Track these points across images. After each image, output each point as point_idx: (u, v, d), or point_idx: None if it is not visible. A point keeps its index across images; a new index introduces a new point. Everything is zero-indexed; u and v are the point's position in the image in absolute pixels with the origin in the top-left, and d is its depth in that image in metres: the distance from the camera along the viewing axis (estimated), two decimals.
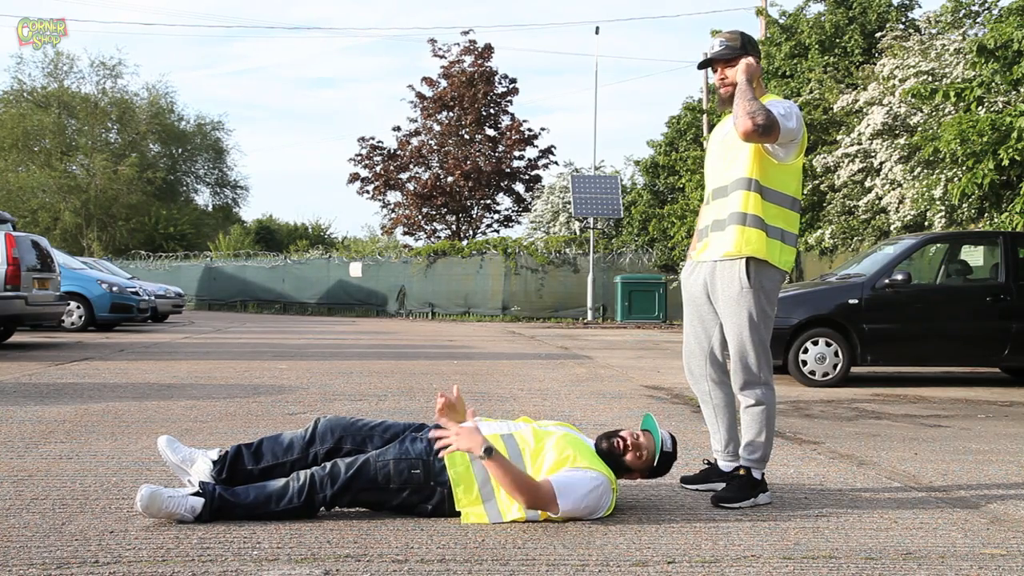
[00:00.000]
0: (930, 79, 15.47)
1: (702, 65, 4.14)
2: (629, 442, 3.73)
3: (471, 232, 37.86)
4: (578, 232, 30.12)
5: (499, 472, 3.39)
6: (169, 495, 3.37)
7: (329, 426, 3.77)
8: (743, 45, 4.01)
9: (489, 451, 3.40)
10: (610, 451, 3.73)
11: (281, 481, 3.51)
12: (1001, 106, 12.60)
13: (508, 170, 37.27)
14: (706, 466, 4.22)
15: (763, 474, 3.96)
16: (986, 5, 16.88)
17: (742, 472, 3.93)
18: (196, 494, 3.41)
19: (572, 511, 3.47)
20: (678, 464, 4.17)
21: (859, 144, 16.85)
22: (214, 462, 3.66)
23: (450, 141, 37.24)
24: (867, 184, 16.84)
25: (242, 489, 3.49)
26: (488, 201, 37.95)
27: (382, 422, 3.84)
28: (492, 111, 37.38)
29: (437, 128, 37.40)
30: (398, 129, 37.95)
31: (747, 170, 3.89)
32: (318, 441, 3.72)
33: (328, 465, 3.52)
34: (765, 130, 3.76)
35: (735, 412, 4.15)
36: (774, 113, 3.79)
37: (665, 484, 4.23)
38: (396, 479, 3.49)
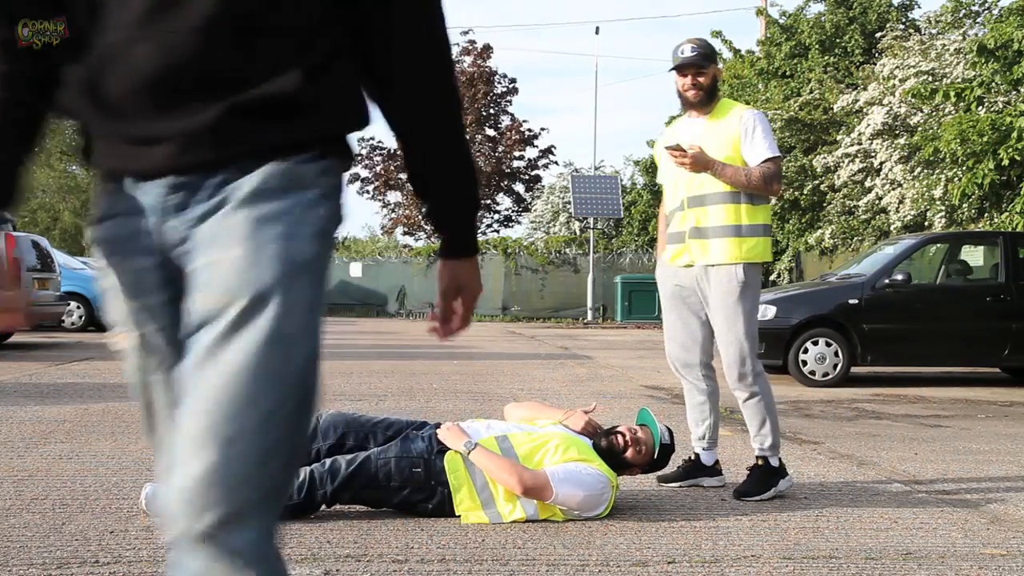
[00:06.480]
0: (930, 79, 15.46)
1: (674, 69, 4.18)
2: (628, 438, 3.75)
3: None
4: (578, 232, 30.10)
5: (484, 463, 3.47)
6: None
7: (332, 422, 3.77)
8: (711, 55, 4.17)
9: (468, 446, 3.49)
10: (610, 448, 3.74)
11: None
12: (1001, 106, 12.58)
13: (508, 170, 37.20)
14: (688, 462, 4.25)
15: (779, 460, 4.06)
16: (986, 5, 16.89)
17: (759, 463, 4.03)
18: None
19: (567, 500, 3.47)
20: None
21: (859, 144, 16.86)
22: None
23: None
24: (867, 184, 16.85)
25: None
26: (488, 201, 37.88)
27: (384, 418, 3.85)
28: (492, 111, 37.31)
29: None
30: None
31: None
32: (320, 437, 3.73)
33: (328, 462, 3.52)
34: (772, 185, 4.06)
35: (718, 403, 4.31)
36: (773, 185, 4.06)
37: (665, 484, 4.23)
38: (397, 477, 3.50)
